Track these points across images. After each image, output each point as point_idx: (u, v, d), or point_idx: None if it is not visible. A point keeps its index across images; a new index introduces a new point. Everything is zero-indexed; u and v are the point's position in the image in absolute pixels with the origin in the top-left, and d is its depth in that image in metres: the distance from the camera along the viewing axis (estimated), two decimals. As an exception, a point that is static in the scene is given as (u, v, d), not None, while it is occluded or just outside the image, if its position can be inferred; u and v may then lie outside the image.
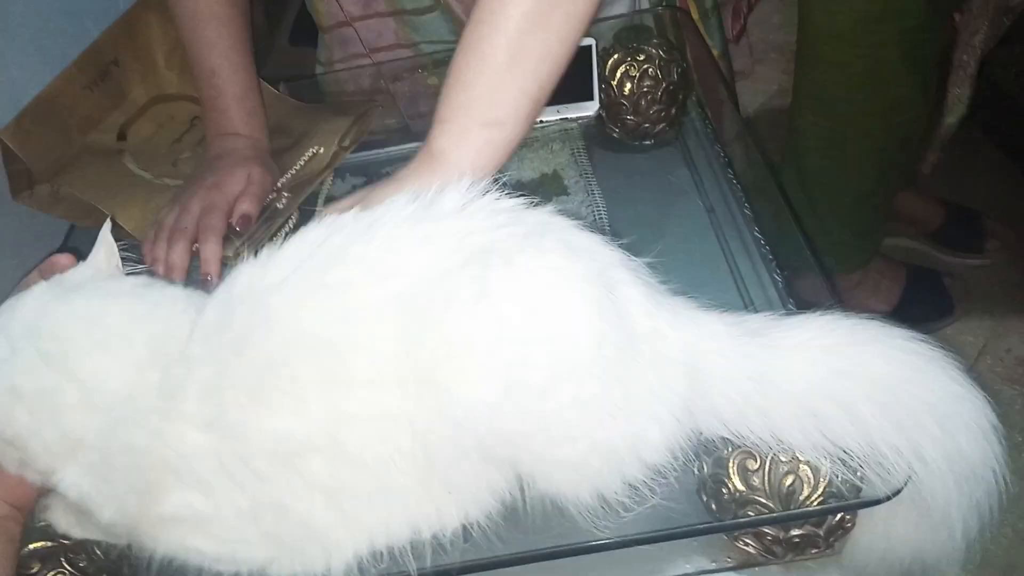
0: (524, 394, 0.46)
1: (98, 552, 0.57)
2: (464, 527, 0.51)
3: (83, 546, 0.57)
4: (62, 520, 0.56)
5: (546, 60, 0.62)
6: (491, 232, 0.50)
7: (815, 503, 0.51)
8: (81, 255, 0.58)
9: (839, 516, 0.53)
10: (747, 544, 0.56)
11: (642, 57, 0.88)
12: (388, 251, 0.50)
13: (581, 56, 0.87)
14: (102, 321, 0.51)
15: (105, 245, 0.56)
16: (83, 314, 0.51)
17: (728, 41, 1.12)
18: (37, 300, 0.51)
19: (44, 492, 0.56)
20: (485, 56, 0.61)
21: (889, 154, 1.09)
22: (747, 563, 0.57)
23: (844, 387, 0.49)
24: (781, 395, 0.50)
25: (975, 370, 0.50)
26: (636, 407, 0.49)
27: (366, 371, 0.48)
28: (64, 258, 0.57)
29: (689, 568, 0.57)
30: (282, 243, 0.52)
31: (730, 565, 0.57)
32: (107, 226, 0.57)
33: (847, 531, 0.55)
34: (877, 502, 0.49)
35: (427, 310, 0.47)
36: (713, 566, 0.57)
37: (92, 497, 0.49)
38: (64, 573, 0.56)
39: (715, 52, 1.03)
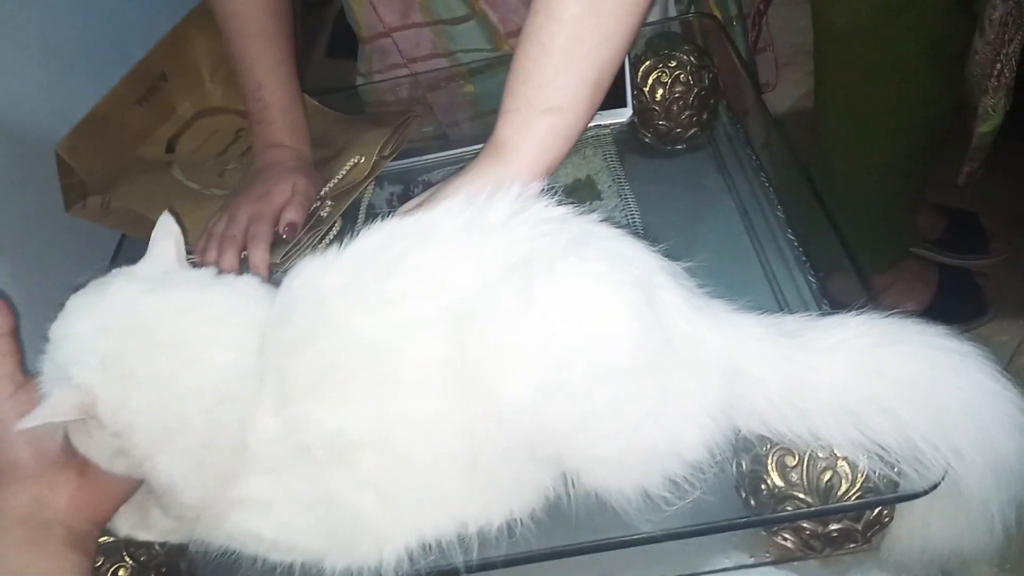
0: (566, 395, 0.49)
1: (157, 547, 0.60)
2: (508, 523, 0.53)
3: (144, 542, 0.59)
4: (125, 524, 0.59)
5: (604, 44, 0.63)
6: (535, 240, 0.52)
7: (853, 498, 0.52)
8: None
9: (877, 511, 0.54)
10: (785, 539, 0.57)
11: (673, 63, 0.90)
12: (440, 263, 0.52)
13: (614, 64, 0.89)
14: (204, 310, 0.54)
15: (172, 235, 0.58)
16: (185, 303, 0.53)
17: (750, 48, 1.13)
18: (126, 293, 0.53)
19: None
20: (543, 45, 0.62)
21: (915, 149, 1.08)
22: (785, 558, 0.58)
23: (881, 386, 0.50)
24: (819, 395, 0.51)
25: (1009, 370, 0.50)
26: (673, 409, 0.51)
27: (416, 376, 0.50)
28: None
29: (728, 563, 0.58)
30: (342, 246, 0.54)
31: (768, 560, 0.58)
32: (168, 217, 0.59)
33: (884, 526, 0.56)
34: (915, 496, 0.50)
35: (474, 319, 0.49)
36: (751, 561, 0.58)
37: (181, 481, 0.51)
38: (125, 566, 0.59)
39: (744, 55, 1.04)
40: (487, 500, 0.52)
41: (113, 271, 0.56)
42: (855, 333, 0.52)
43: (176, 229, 0.58)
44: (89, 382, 0.49)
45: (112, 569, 0.58)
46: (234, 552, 0.59)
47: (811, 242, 0.76)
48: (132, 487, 0.58)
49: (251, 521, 0.53)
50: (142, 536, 0.59)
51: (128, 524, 0.59)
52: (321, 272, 0.53)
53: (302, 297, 0.53)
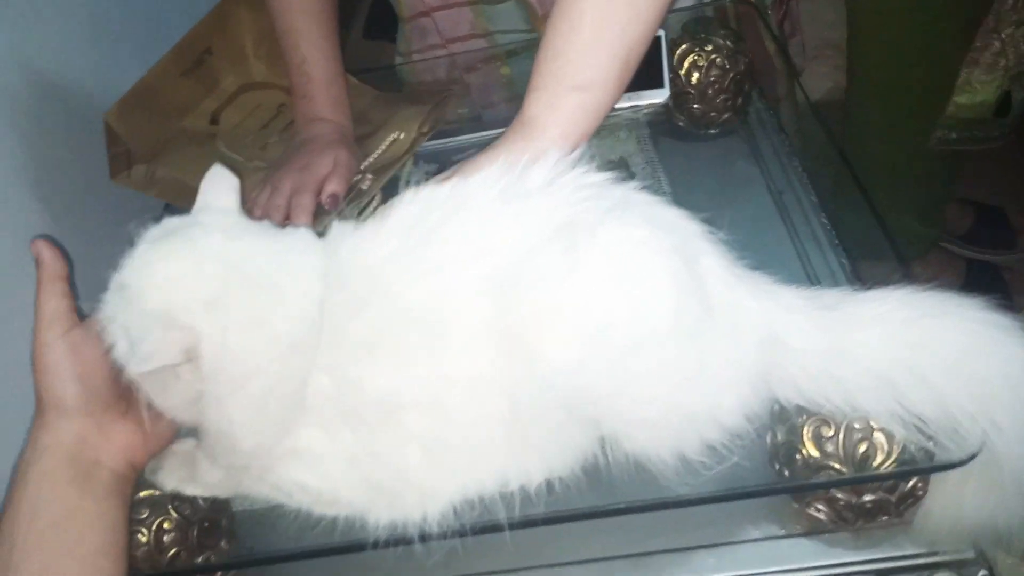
0: (608, 357, 0.50)
1: (200, 502, 0.62)
2: (548, 481, 0.55)
3: (188, 497, 0.61)
4: (172, 478, 0.61)
5: (634, 23, 0.63)
6: (576, 206, 0.53)
7: (888, 469, 0.53)
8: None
9: (911, 483, 0.55)
10: (818, 510, 0.58)
11: (710, 47, 0.90)
12: (481, 230, 0.53)
13: (650, 46, 0.90)
14: (283, 256, 0.55)
15: (232, 185, 0.59)
16: (266, 250, 0.55)
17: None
18: (212, 239, 0.53)
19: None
20: (573, 22, 0.62)
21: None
22: (816, 530, 0.59)
23: (920, 358, 0.51)
24: (857, 367, 0.52)
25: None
26: (712, 374, 0.52)
27: (463, 339, 0.52)
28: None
29: (758, 534, 0.59)
30: (384, 217, 0.56)
31: (799, 532, 0.59)
32: (222, 167, 0.59)
33: (918, 499, 0.56)
34: (952, 466, 0.51)
35: (519, 282, 0.51)
36: (782, 533, 0.59)
37: (243, 427, 0.53)
38: (171, 519, 0.60)
39: (772, 46, 1.04)
40: (528, 458, 0.53)
41: (172, 219, 0.56)
42: (894, 306, 0.53)
43: (235, 179, 0.59)
44: (195, 324, 0.50)
45: (158, 522, 0.60)
46: (277, 505, 0.61)
47: (844, 227, 0.77)
48: (173, 434, 0.60)
49: (300, 472, 0.55)
50: (189, 490, 0.61)
51: (176, 478, 0.61)
52: (369, 242, 0.55)
53: (353, 264, 0.54)
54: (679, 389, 0.51)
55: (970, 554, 0.56)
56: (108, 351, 0.54)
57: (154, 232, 0.54)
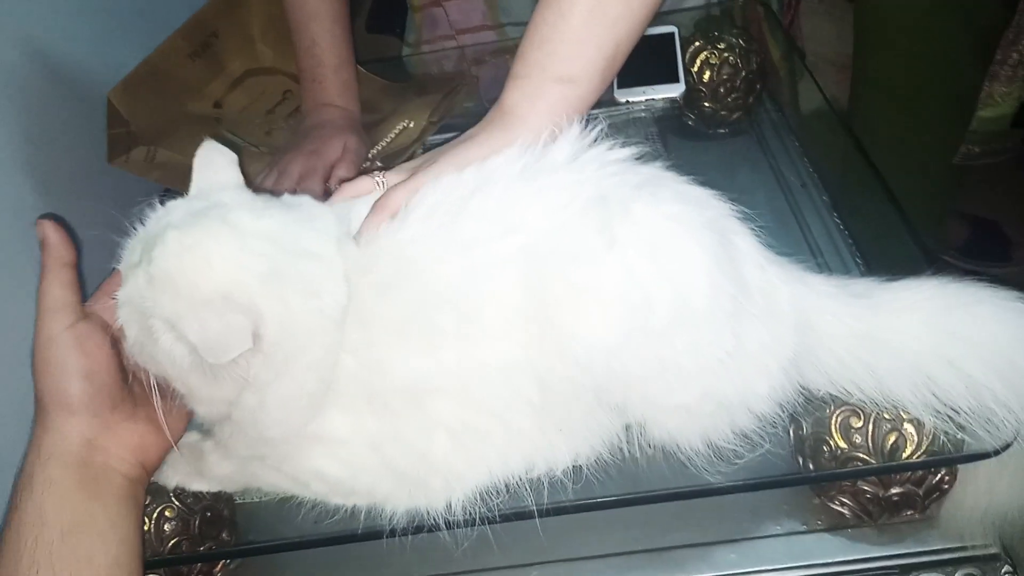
0: (644, 339, 0.48)
1: (204, 493, 0.60)
2: (575, 468, 0.53)
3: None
4: (177, 474, 0.58)
5: (625, 18, 0.60)
6: (603, 181, 0.52)
7: (917, 460, 0.52)
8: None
9: (939, 475, 0.54)
10: (843, 503, 0.57)
11: (722, 45, 0.90)
12: (506, 207, 0.52)
13: (665, 42, 0.89)
14: (314, 228, 0.52)
15: (231, 160, 0.56)
16: (298, 221, 0.52)
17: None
18: (242, 219, 0.50)
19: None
20: (563, 12, 0.59)
21: (958, 141, 1.08)
22: (839, 525, 0.58)
23: (955, 347, 0.50)
24: (890, 354, 0.51)
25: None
26: (747, 358, 0.51)
27: (495, 321, 0.50)
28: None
29: (779, 530, 0.58)
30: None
31: (821, 527, 0.58)
32: (213, 143, 0.56)
33: (943, 493, 0.55)
34: (986, 456, 0.50)
35: (551, 259, 0.49)
36: (803, 528, 0.58)
37: (278, 411, 0.50)
38: (172, 507, 0.58)
39: (775, 56, 1.05)
40: (556, 442, 0.52)
41: (177, 202, 0.53)
42: (928, 295, 0.53)
43: (231, 154, 0.56)
44: (257, 302, 0.47)
45: (159, 510, 0.58)
46: (288, 498, 0.59)
47: (856, 226, 0.77)
48: (181, 433, 0.58)
49: (320, 459, 0.53)
50: (195, 486, 0.59)
51: (180, 473, 0.58)
52: (394, 224, 0.53)
53: (378, 245, 0.52)
54: (714, 373, 0.50)
55: (994, 549, 0.56)
56: (115, 346, 0.51)
57: (170, 217, 0.50)
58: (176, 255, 0.47)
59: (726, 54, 0.90)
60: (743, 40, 0.90)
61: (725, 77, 0.90)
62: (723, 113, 0.92)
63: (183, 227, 0.49)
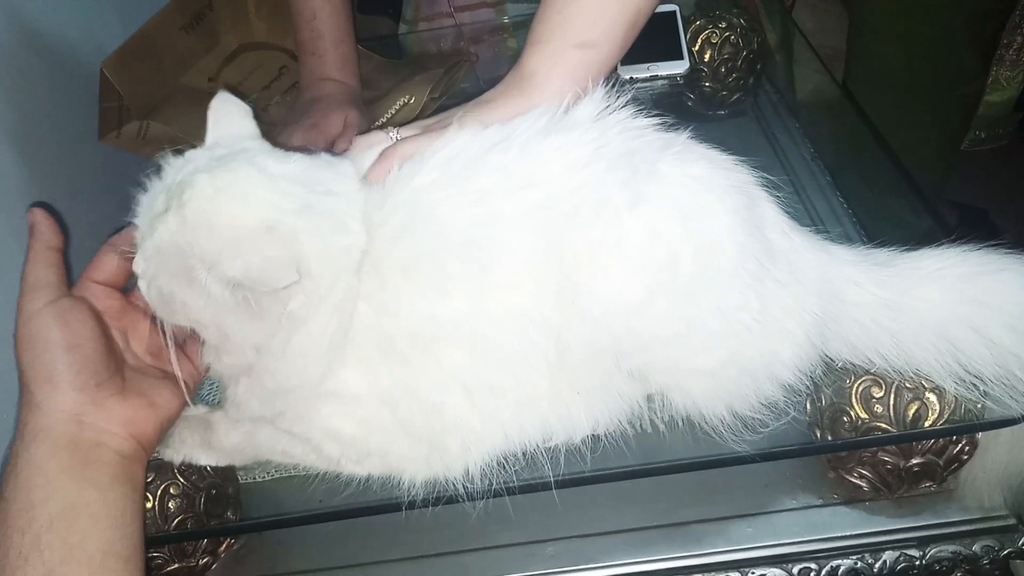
0: (669, 298, 0.48)
1: (208, 470, 0.58)
2: (594, 436, 0.52)
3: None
4: (183, 447, 0.57)
5: None
6: (628, 143, 0.51)
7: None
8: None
9: (960, 445, 0.54)
10: (860, 476, 0.57)
11: (724, 25, 0.90)
12: (525, 160, 0.51)
13: (667, 20, 0.89)
14: (334, 171, 0.52)
15: (245, 111, 0.55)
16: (319, 165, 0.52)
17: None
18: (268, 162, 0.50)
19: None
20: None
21: (950, 127, 1.09)
22: (855, 498, 0.57)
23: (981, 314, 0.50)
24: (915, 322, 0.51)
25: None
26: (772, 322, 0.50)
27: (507, 272, 0.49)
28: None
29: (795, 504, 0.58)
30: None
31: (837, 500, 0.57)
32: (228, 94, 0.56)
33: (963, 463, 0.55)
34: (1013, 422, 0.50)
35: (572, 215, 0.48)
36: (819, 502, 0.57)
37: (300, 357, 0.49)
38: (177, 484, 0.57)
39: (774, 36, 1.04)
40: (573, 407, 0.51)
41: (197, 152, 0.52)
42: (951, 263, 0.52)
43: (245, 106, 0.55)
44: (297, 233, 0.47)
45: (164, 487, 0.56)
46: (295, 476, 0.58)
47: (859, 205, 0.77)
48: (178, 408, 0.55)
49: (333, 417, 0.52)
50: (202, 459, 0.57)
51: (188, 446, 0.56)
52: (411, 170, 0.52)
53: (394, 192, 0.51)
54: (738, 336, 0.49)
55: (1011, 520, 0.56)
56: (100, 324, 0.50)
57: (193, 164, 0.49)
58: (210, 196, 0.47)
59: (727, 33, 0.90)
60: (744, 20, 0.90)
61: (726, 56, 0.90)
62: (724, 94, 0.91)
63: (212, 170, 0.48)
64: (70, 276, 0.54)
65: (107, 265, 0.53)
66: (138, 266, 0.50)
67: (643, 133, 0.52)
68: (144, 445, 0.52)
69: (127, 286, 0.55)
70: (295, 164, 0.50)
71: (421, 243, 0.49)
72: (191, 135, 0.78)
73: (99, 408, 0.50)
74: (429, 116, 0.83)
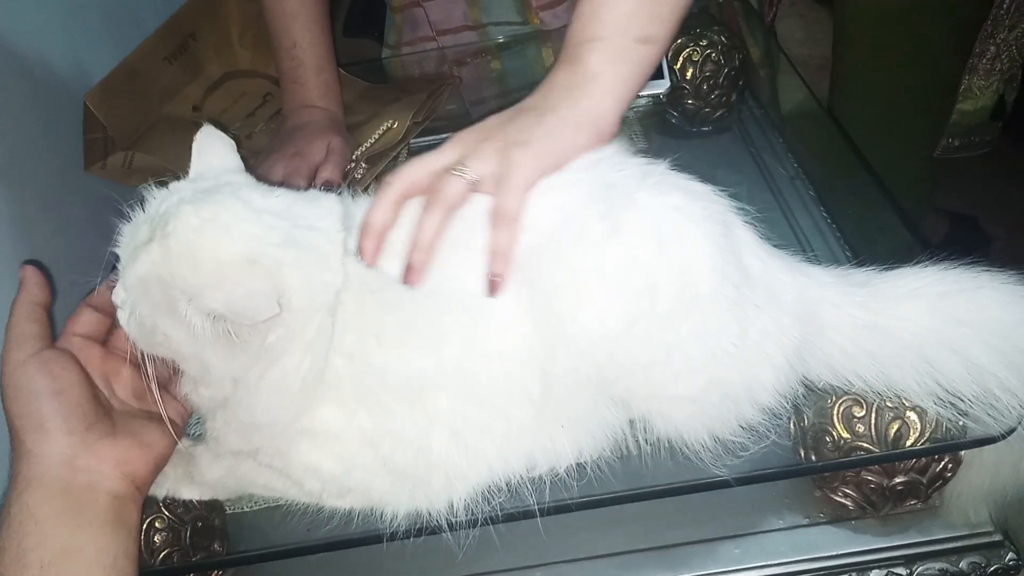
0: (648, 325, 0.48)
1: (194, 503, 0.58)
2: (579, 465, 0.52)
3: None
4: (166, 481, 0.57)
5: None
6: (608, 175, 0.52)
7: (923, 447, 0.52)
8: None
9: (943, 463, 0.54)
10: (845, 496, 0.57)
11: (705, 42, 0.90)
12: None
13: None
14: (318, 208, 0.52)
15: (229, 145, 0.56)
16: (302, 202, 0.52)
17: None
18: (252, 197, 0.50)
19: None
20: None
21: (936, 136, 1.09)
22: (841, 517, 0.57)
23: (959, 333, 0.50)
24: (893, 342, 0.51)
25: None
26: (751, 347, 0.50)
27: (497, 313, 0.49)
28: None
29: (782, 524, 0.58)
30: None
31: (824, 520, 0.57)
32: (212, 128, 0.56)
33: (946, 481, 0.55)
34: (992, 440, 0.50)
35: (554, 246, 0.49)
36: (806, 521, 0.57)
37: (275, 396, 0.49)
38: (163, 518, 0.57)
39: (756, 52, 1.05)
40: (558, 438, 0.51)
41: (181, 184, 0.52)
42: (928, 281, 0.52)
43: (229, 140, 0.56)
44: (279, 267, 0.47)
45: (149, 520, 0.56)
46: (279, 505, 0.58)
47: (845, 222, 0.77)
48: (170, 447, 0.54)
49: (313, 453, 0.52)
50: (185, 493, 0.57)
51: (171, 480, 0.57)
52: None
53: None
54: (719, 361, 0.49)
55: (997, 536, 0.56)
56: (84, 373, 0.50)
57: (177, 196, 0.49)
58: (194, 228, 0.47)
59: (708, 51, 0.90)
60: (725, 37, 0.90)
61: (708, 74, 0.90)
62: (706, 111, 0.92)
63: (197, 202, 0.48)
64: (56, 305, 0.54)
65: (86, 319, 0.54)
66: (118, 296, 0.50)
67: (624, 165, 0.52)
68: (139, 485, 0.52)
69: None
70: (279, 198, 0.51)
71: (409, 300, 0.50)
72: (177, 164, 0.78)
73: (91, 450, 0.49)
74: (415, 138, 0.85)
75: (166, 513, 0.57)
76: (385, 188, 0.53)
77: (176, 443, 0.54)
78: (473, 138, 0.55)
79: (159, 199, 0.50)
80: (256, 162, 0.79)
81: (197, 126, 0.84)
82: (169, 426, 0.52)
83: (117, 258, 0.51)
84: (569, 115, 0.55)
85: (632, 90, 0.57)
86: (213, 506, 0.60)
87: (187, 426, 0.57)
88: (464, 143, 0.55)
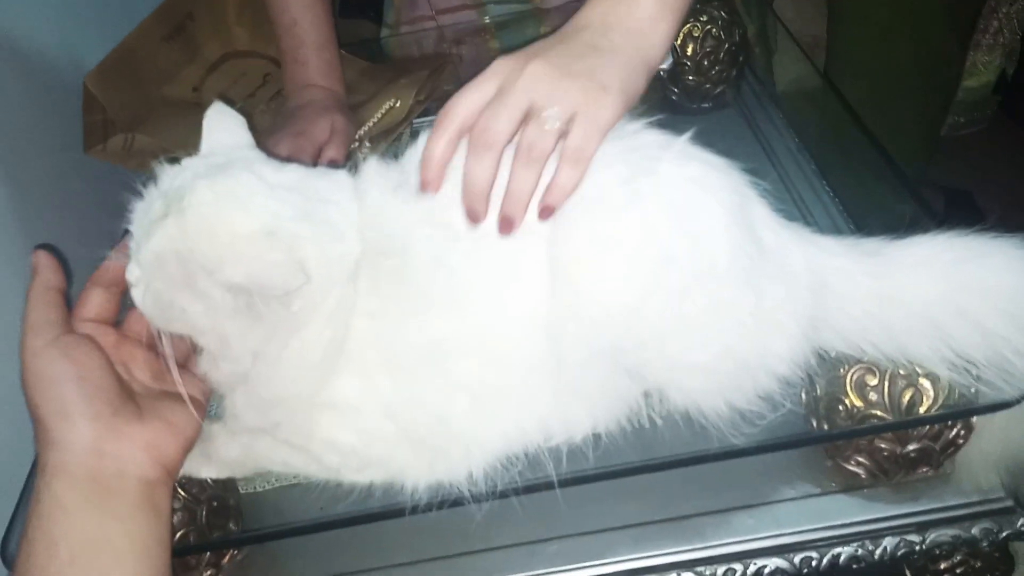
0: (665, 294, 0.48)
1: (209, 482, 0.58)
2: (595, 434, 0.53)
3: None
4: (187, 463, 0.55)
5: None
6: (629, 142, 0.52)
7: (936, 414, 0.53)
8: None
9: (955, 430, 0.55)
10: (857, 464, 0.57)
11: (705, 18, 0.90)
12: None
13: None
14: (331, 181, 0.52)
15: (240, 122, 0.56)
16: (315, 175, 0.52)
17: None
18: (266, 171, 0.50)
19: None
20: None
21: (931, 112, 1.09)
22: (853, 486, 0.58)
23: (970, 299, 0.50)
24: (905, 310, 0.51)
25: None
26: (765, 317, 0.50)
27: (519, 278, 0.50)
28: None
29: (794, 493, 0.58)
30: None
31: (836, 489, 0.58)
32: (223, 105, 0.56)
33: (959, 447, 0.56)
34: (1007, 405, 0.50)
35: (573, 213, 0.49)
36: (818, 491, 0.58)
37: (295, 368, 0.49)
38: (178, 498, 0.56)
39: (752, 28, 1.05)
40: (573, 408, 0.51)
41: (193, 160, 0.52)
42: (938, 249, 0.53)
43: (239, 116, 0.56)
44: (299, 238, 0.47)
45: (163, 500, 0.56)
46: (297, 485, 0.58)
47: (848, 195, 0.77)
48: (197, 428, 0.53)
49: (333, 427, 0.52)
50: (203, 472, 0.57)
51: (190, 464, 0.55)
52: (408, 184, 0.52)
53: (391, 207, 0.52)
54: (734, 332, 0.49)
55: (1008, 503, 0.56)
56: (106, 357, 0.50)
57: (191, 171, 0.49)
58: (210, 202, 0.47)
59: (709, 26, 0.90)
60: (724, 12, 0.90)
61: (708, 50, 0.90)
62: (707, 87, 0.92)
63: (212, 176, 0.48)
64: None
65: (95, 301, 0.53)
66: (132, 274, 0.49)
67: (642, 134, 0.52)
68: (169, 469, 0.51)
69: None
70: (292, 173, 0.51)
71: (430, 264, 0.50)
72: (177, 146, 0.77)
73: (119, 436, 0.48)
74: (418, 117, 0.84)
75: (182, 493, 0.57)
76: (444, 120, 0.51)
77: (200, 424, 0.53)
78: (545, 71, 0.51)
79: (171, 175, 0.50)
80: (259, 141, 0.78)
81: (197, 107, 0.84)
82: (190, 404, 0.52)
83: (127, 234, 0.51)
84: (633, 60, 0.54)
85: (669, 44, 0.57)
86: (227, 486, 0.59)
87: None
88: (538, 77, 0.51)
